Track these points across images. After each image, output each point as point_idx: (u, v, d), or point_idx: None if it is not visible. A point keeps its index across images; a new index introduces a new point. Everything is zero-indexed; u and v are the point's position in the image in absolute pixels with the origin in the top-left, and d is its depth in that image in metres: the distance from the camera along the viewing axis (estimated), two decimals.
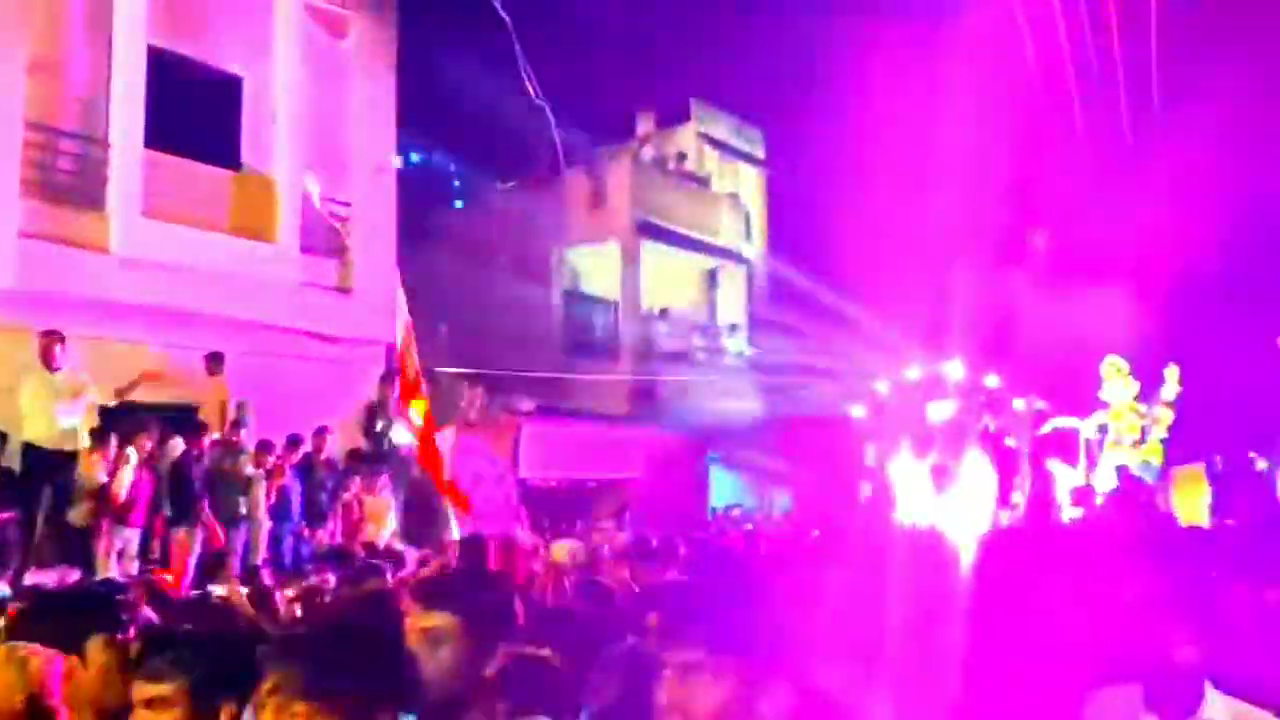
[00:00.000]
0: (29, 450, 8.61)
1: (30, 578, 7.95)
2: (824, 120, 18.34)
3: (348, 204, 12.53)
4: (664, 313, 20.24)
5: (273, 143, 11.84)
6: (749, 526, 14.66)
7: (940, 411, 12.95)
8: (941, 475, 11.85)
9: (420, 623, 2.35)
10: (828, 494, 14.56)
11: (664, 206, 19.59)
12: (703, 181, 21.33)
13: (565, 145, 17.05)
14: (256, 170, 11.87)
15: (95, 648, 2.87)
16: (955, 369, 13.15)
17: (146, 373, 9.48)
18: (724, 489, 18.99)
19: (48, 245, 9.55)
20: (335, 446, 10.98)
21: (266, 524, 9.80)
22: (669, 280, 20.57)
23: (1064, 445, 12.32)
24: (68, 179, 10.22)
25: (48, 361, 8.77)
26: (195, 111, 11.43)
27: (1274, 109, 15.80)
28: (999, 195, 16.72)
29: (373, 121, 13.02)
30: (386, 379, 11.83)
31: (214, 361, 10.18)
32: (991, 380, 12.97)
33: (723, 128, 22.11)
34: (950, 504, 11.14)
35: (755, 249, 22.42)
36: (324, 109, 12.37)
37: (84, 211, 10.06)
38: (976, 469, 11.92)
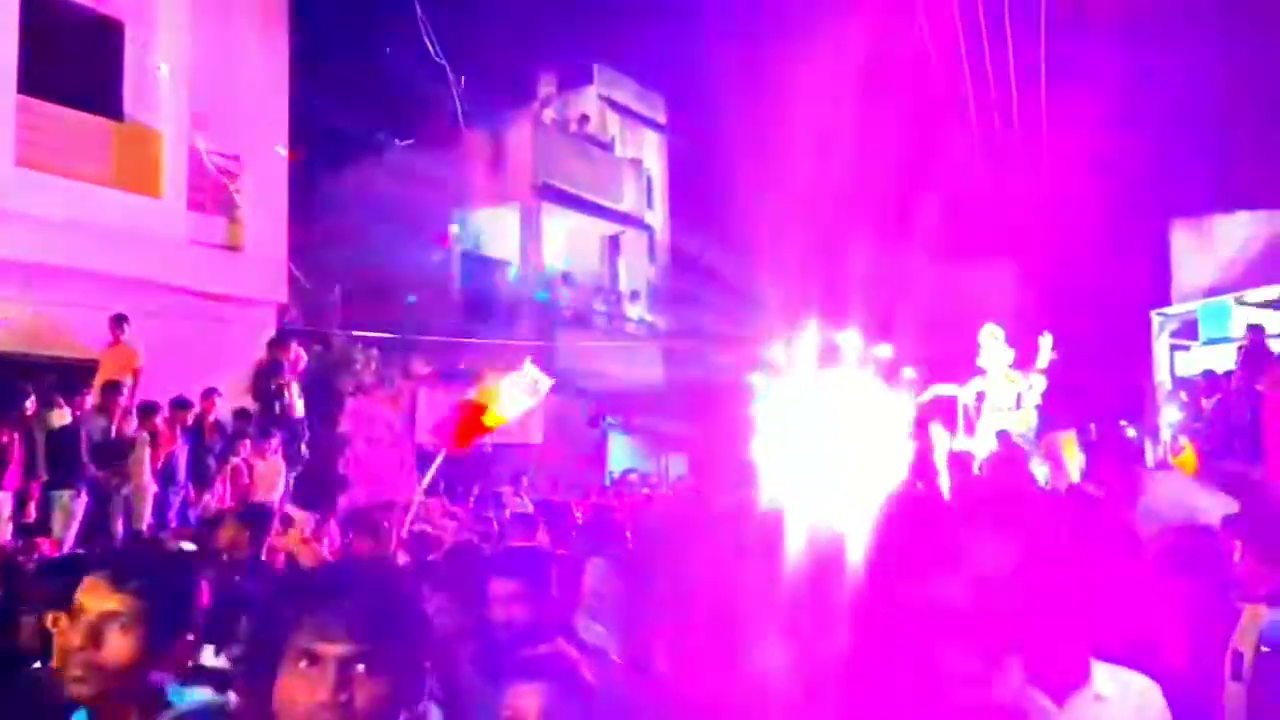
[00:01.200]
0: None
1: None
2: (724, 87, 18.45)
3: (237, 158, 12.13)
4: (565, 276, 20.20)
5: (157, 92, 11.35)
6: (645, 491, 14.84)
7: (834, 379, 13.31)
8: (835, 440, 12.23)
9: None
10: (722, 460, 14.82)
11: (566, 169, 19.49)
12: (605, 146, 21.27)
13: (465, 105, 16.78)
14: (140, 121, 11.37)
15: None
16: (850, 338, 13.53)
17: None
18: (621, 454, 19.16)
19: None
20: (223, 409, 10.70)
21: (152, 488, 9.51)
22: (570, 244, 20.52)
23: (943, 411, 12.80)
24: None
25: None
26: (73, 56, 10.89)
27: (1151, 87, 16.56)
28: (889, 166, 17.13)
29: (264, 73, 12.58)
30: (277, 341, 11.57)
31: (118, 324, 9.75)
32: (884, 350, 13.38)
33: (625, 92, 22.05)
34: (840, 473, 11.50)
35: (657, 215, 22.52)
36: (213, 59, 11.90)
37: None
38: (866, 440, 12.32)
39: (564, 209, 19.63)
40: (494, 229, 19.76)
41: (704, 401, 16.61)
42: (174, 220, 11.24)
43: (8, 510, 8.47)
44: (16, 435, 8.43)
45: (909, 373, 13.20)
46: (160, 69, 11.33)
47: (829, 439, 12.66)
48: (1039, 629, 2.35)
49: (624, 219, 21.35)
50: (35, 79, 10.13)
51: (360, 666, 1.46)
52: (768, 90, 17.10)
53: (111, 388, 9.40)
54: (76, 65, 10.95)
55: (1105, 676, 2.39)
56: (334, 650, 1.46)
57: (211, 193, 11.78)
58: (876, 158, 16.18)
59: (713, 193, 20.51)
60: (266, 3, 12.67)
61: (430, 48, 13.50)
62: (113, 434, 9.19)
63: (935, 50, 16.61)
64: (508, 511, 8.81)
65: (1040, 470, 9.85)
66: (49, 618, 2.31)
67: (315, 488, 11.30)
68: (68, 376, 9.65)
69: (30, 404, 8.55)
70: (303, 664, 1.47)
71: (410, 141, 18.54)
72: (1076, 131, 15.26)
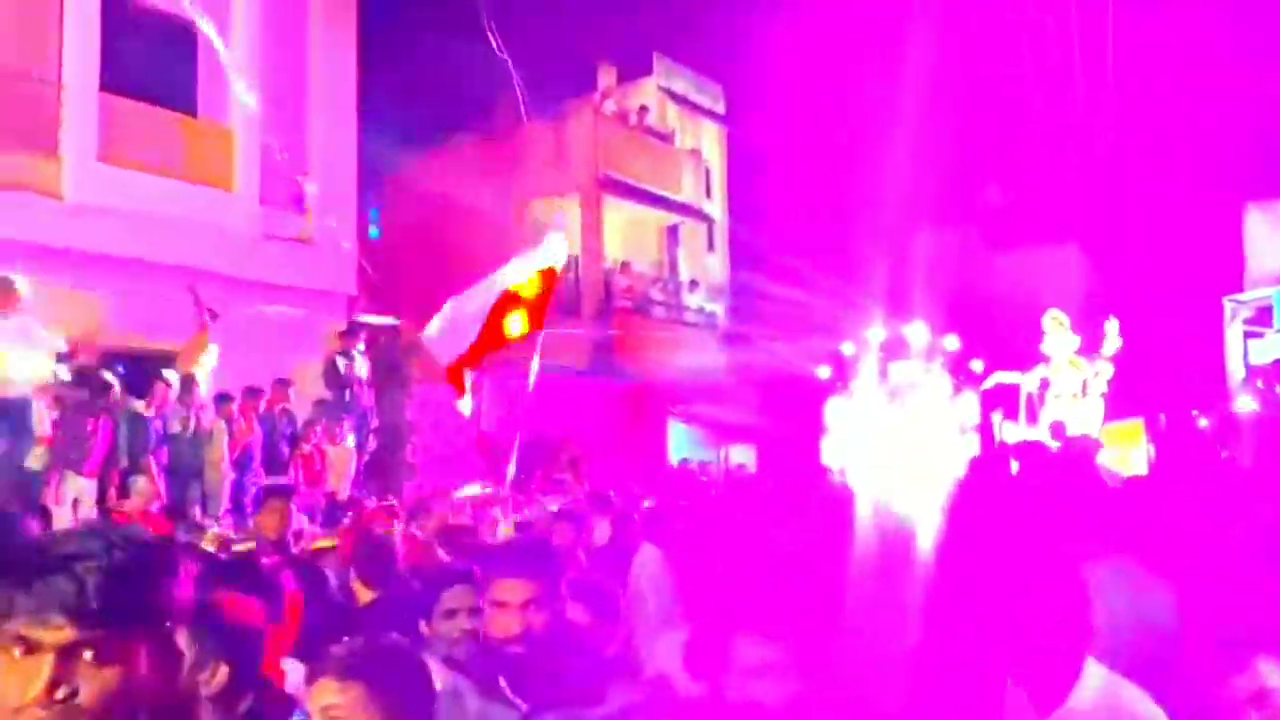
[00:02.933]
0: None
1: None
2: (784, 77, 18.38)
3: (307, 153, 12.42)
4: (624, 267, 20.30)
5: (230, 90, 11.67)
6: (704, 480, 14.91)
7: (903, 372, 13.28)
8: (905, 430, 12.28)
9: None
10: (789, 451, 14.83)
11: (626, 161, 19.57)
12: (665, 137, 21.31)
13: (527, 98, 16.94)
14: (214, 118, 11.71)
15: None
16: (917, 330, 13.45)
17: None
18: (681, 443, 19.23)
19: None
20: (295, 398, 10.99)
21: (229, 475, 9.81)
22: (630, 234, 20.61)
23: (1006, 400, 12.66)
24: (19, 124, 10.03)
25: (4, 307, 8.67)
26: (151, 56, 11.24)
27: (1225, 65, 16.13)
28: (951, 153, 16.93)
29: (333, 71, 12.87)
30: (346, 332, 11.83)
31: (195, 318, 10.07)
32: (951, 342, 13.27)
33: (684, 82, 22.06)
34: (910, 461, 11.47)
35: (716, 206, 22.51)
36: (283, 56, 12.21)
37: (37, 156, 9.90)
38: (937, 429, 12.30)
39: (624, 199, 19.72)
40: (556, 220, 19.93)
41: (770, 392, 16.63)
42: (247, 214, 11.55)
43: (93, 496, 8.80)
44: (101, 423, 8.75)
45: (977, 365, 13.09)
46: (232, 67, 11.63)
47: (897, 429, 12.66)
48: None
49: (683, 209, 21.38)
50: (114, 77, 10.48)
51: (87, 654, 1.21)
52: (827, 79, 17.02)
53: (189, 378, 9.73)
54: (153, 64, 11.31)
55: (1094, 674, 2.24)
56: (50, 637, 1.21)
57: (283, 187, 12.07)
58: (938, 145, 16.01)
59: (772, 182, 20.47)
60: (334, 1, 12.94)
61: (493, 42, 13.65)
62: (191, 422, 9.50)
63: (998, 31, 16.37)
64: (554, 504, 8.91)
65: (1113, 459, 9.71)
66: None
67: (383, 474, 11.55)
68: (147, 366, 9.98)
69: (114, 393, 8.86)
70: (16, 652, 1.21)
71: (474, 135, 18.77)
72: (1146, 112, 14.92)
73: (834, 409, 13.79)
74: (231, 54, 11.62)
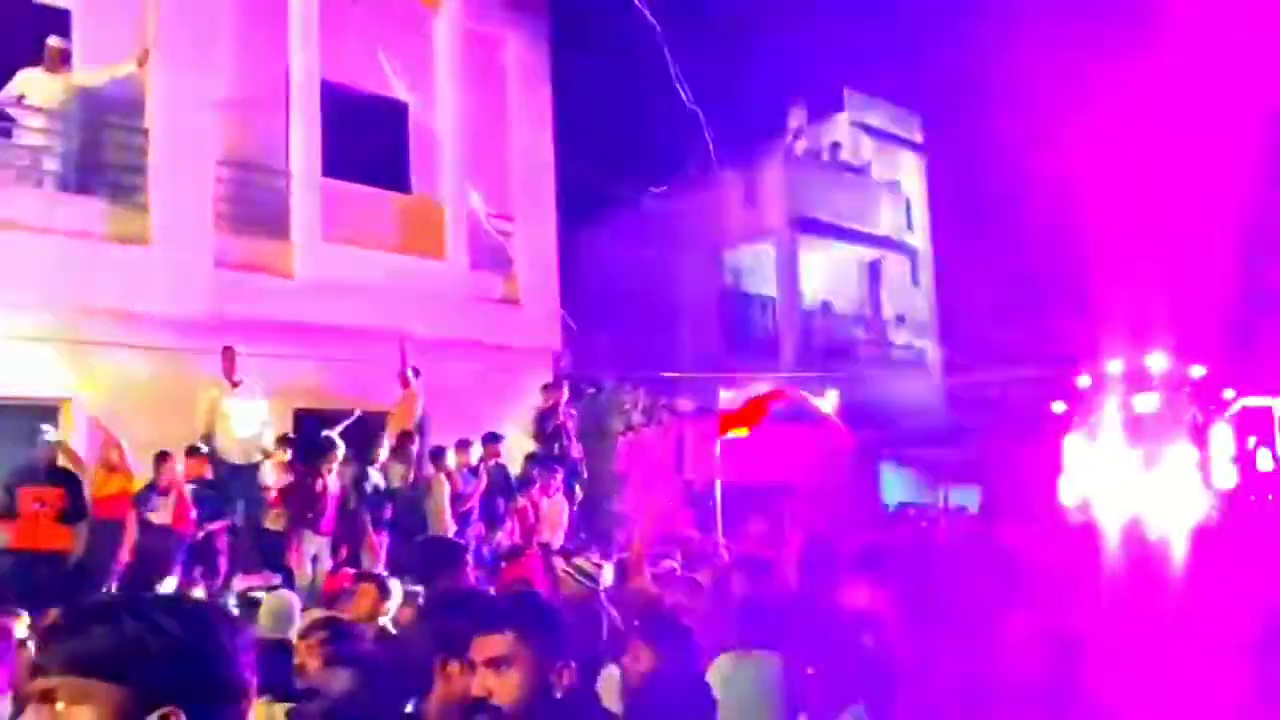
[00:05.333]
0: (219, 463, 9.27)
1: (238, 583, 8.61)
2: (983, 101, 17.70)
3: (511, 219, 12.96)
4: (825, 307, 19.98)
5: (438, 164, 12.36)
6: (923, 524, 14.31)
7: (1146, 404, 12.51)
8: (1151, 463, 11.59)
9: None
10: (1022, 490, 14.09)
11: (820, 199, 19.36)
12: (860, 171, 20.95)
13: (716, 145, 17.09)
14: (424, 191, 12.44)
15: None
16: (1158, 360, 12.64)
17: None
18: (895, 487, 18.57)
19: (238, 273, 10.29)
20: (505, 452, 11.36)
21: (451, 527, 10.21)
22: (829, 273, 20.30)
23: (1258, 426, 11.57)
24: (254, 210, 10.98)
25: (228, 377, 9.46)
26: (366, 139, 12.07)
27: None
28: (1177, 173, 15.74)
29: (531, 136, 13.42)
30: (553, 386, 12.15)
31: (403, 378, 10.70)
32: (1197, 370, 12.36)
33: (878, 115, 21.66)
34: (1159, 494, 10.79)
35: (918, 237, 21.86)
36: (484, 127, 12.83)
37: (270, 239, 10.78)
38: (1185, 461, 11.50)
39: (821, 238, 19.47)
40: (752, 265, 19.90)
41: (993, 429, 15.84)
42: (457, 280, 12.13)
43: (327, 552, 9.37)
44: (328, 482, 9.33)
45: (1228, 393, 12.11)
46: (440, 142, 12.33)
47: (1143, 464, 11.85)
48: None
49: (883, 243, 20.87)
50: (335, 162, 11.31)
51: (59, 705, 1.27)
52: (1029, 103, 16.24)
53: (406, 435, 10.26)
54: (369, 147, 12.15)
55: None
56: (39, 685, 1.29)
57: (489, 252, 12.63)
58: (1162, 164, 14.93)
59: (978, 210, 19.66)
60: (529, 68, 13.52)
61: (682, 94, 13.88)
62: (410, 478, 9.99)
63: (1215, 47, 15.18)
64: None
65: None
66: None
67: (593, 526, 11.73)
68: (367, 427, 10.59)
69: (338, 453, 9.44)
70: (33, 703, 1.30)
71: (666, 188, 19.09)
72: None
73: (1072, 445, 13.07)
74: (438, 130, 12.32)
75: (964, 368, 18.36)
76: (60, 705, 1.27)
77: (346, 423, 10.01)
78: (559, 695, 2.27)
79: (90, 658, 1.28)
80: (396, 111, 12.46)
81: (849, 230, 19.88)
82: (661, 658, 3.25)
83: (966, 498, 18.21)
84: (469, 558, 4.96)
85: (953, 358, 19.75)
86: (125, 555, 8.29)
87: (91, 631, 1.30)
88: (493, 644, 2.25)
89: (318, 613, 4.81)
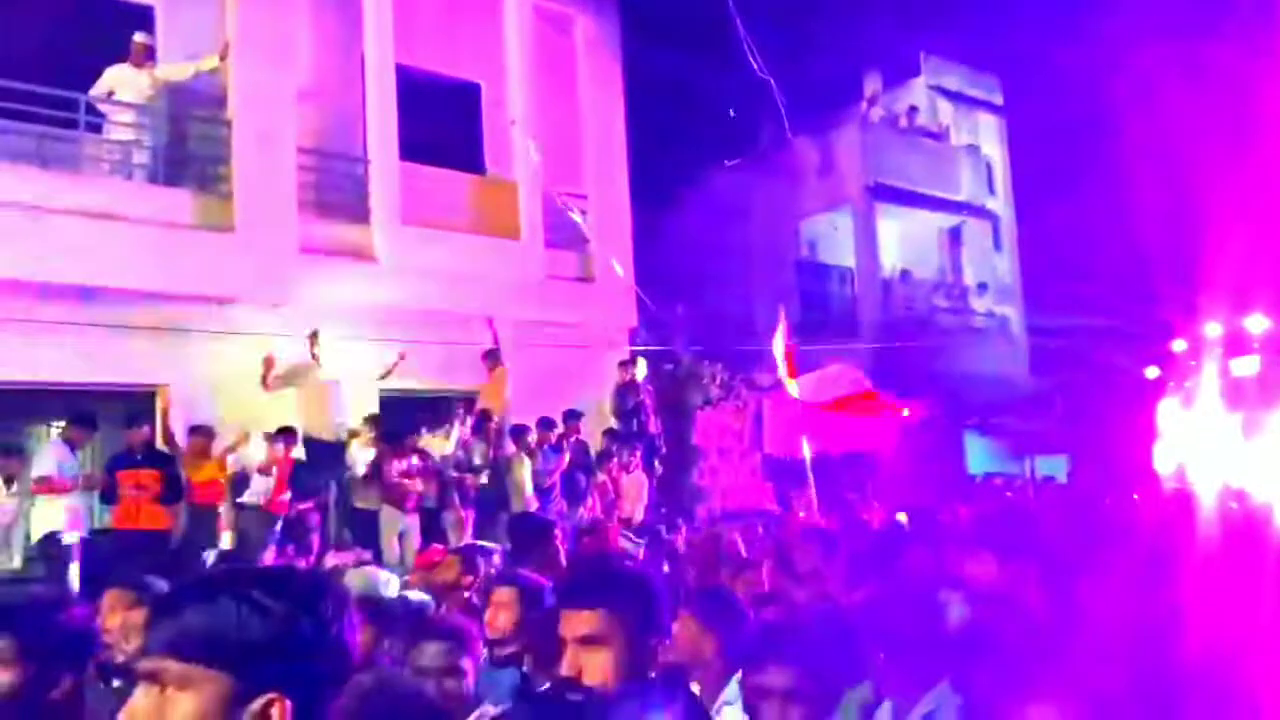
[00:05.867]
0: (309, 443, 9.52)
1: (330, 560, 8.86)
2: (1066, 58, 17.14)
3: (584, 196, 12.99)
4: (904, 276, 19.65)
5: (512, 144, 12.44)
6: (1009, 495, 14.06)
7: (1244, 367, 12.08)
8: (1252, 428, 11.18)
9: None
10: (1113, 459, 13.74)
11: (897, 166, 18.99)
12: (938, 135, 20.49)
13: (790, 114, 16.86)
14: (498, 172, 12.53)
15: None
16: (1258, 322, 12.18)
17: (401, 355, 10.22)
18: (979, 457, 18.25)
19: (321, 258, 10.51)
20: (585, 428, 11.46)
21: (534, 504, 10.36)
22: (908, 241, 19.95)
23: None
24: (335, 196, 11.20)
25: (315, 360, 9.71)
26: (441, 122, 12.20)
27: None
28: (1268, 127, 15.04)
29: (603, 112, 13.41)
30: (629, 362, 12.20)
31: (491, 358, 10.87)
32: None
33: (955, 78, 21.14)
34: (1259, 461, 10.43)
35: (1000, 202, 21.33)
36: (556, 105, 12.86)
37: (351, 224, 10.99)
38: None
39: (899, 206, 19.12)
40: (829, 235, 19.66)
41: (1081, 397, 15.43)
42: (533, 259, 12.22)
43: (416, 530, 9.57)
44: (412, 461, 9.53)
45: None
46: (513, 122, 12.39)
47: (1242, 430, 11.45)
48: None
49: (963, 209, 20.41)
50: (411, 146, 11.46)
51: (166, 690, 1.27)
52: (1114, 58, 15.66)
53: (486, 414, 10.42)
54: (443, 129, 12.28)
55: None
56: (145, 665, 1.31)
57: (564, 231, 12.69)
58: (1263, 116, 14.29)
59: (1063, 171, 19.12)
60: (599, 44, 13.50)
61: (753, 63, 13.72)
62: (491, 456, 10.15)
63: None
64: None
65: None
66: None
67: (672, 500, 11.77)
68: (447, 407, 10.77)
69: (420, 434, 9.64)
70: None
71: (740, 160, 18.93)
72: None
73: (1167, 412, 12.69)
74: (510, 109, 12.39)
75: (1050, 334, 17.89)
76: (167, 689, 1.27)
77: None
78: (653, 674, 2.15)
79: (189, 641, 1.27)
80: (469, 92, 12.55)
81: (928, 196, 19.48)
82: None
83: (1054, 467, 17.82)
84: (558, 533, 5.01)
85: (1038, 324, 19.27)
86: (223, 537, 8.61)
87: (189, 613, 1.28)
88: (581, 621, 2.14)
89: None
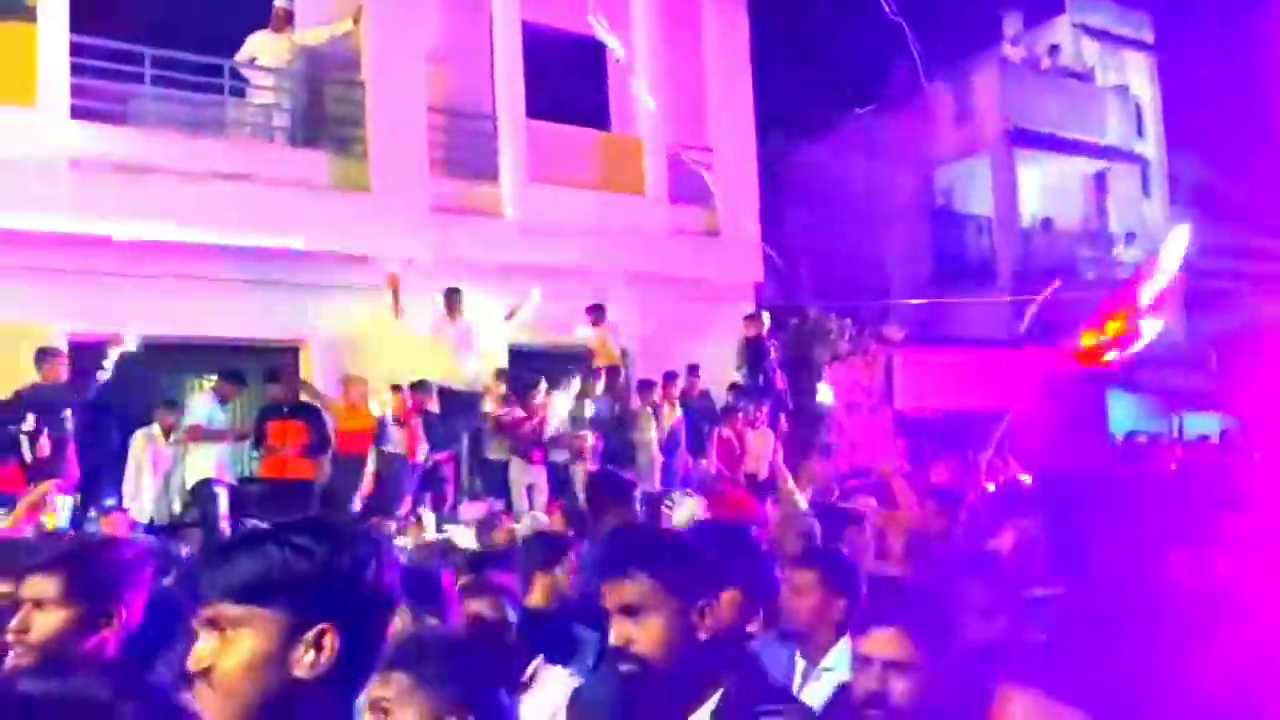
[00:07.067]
0: (444, 394, 9.77)
1: (463, 511, 9.14)
2: None
3: (709, 150, 12.84)
4: (1046, 225, 18.82)
5: (636, 99, 12.37)
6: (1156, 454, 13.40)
7: None
8: None
9: None
10: (1274, 418, 12.95)
11: (1038, 109, 18.11)
12: (1082, 76, 19.43)
13: (924, 58, 16.24)
14: (624, 128, 12.50)
15: None
16: None
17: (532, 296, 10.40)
18: (1123, 415, 17.43)
19: (453, 216, 10.72)
20: (710, 383, 11.42)
21: (659, 458, 10.43)
22: (1050, 188, 19.07)
23: None
24: (465, 154, 11.38)
25: (451, 315, 9.93)
26: (566, 79, 12.23)
27: None
28: None
29: (728, 64, 13.19)
30: (755, 317, 12.07)
31: (597, 313, 10.94)
32: None
33: (1102, 15, 19.94)
34: None
35: (1150, 145, 20.13)
36: (681, 60, 12.71)
37: (480, 182, 11.17)
38: None
39: (1040, 151, 18.26)
40: (965, 183, 18.96)
41: (1243, 351, 14.50)
42: (658, 215, 12.20)
43: (543, 482, 9.75)
44: (541, 415, 9.69)
45: None
46: (638, 77, 12.31)
47: None
48: None
49: (1110, 153, 19.34)
50: (537, 103, 11.53)
51: (226, 631, 1.40)
52: None
53: (614, 370, 10.50)
54: (569, 86, 12.30)
55: None
56: (204, 614, 1.42)
57: (688, 184, 12.59)
58: None
59: (1218, 112, 17.88)
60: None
61: (884, 5, 13.25)
62: (617, 410, 10.23)
63: None
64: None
65: None
66: None
67: (799, 456, 11.64)
68: (574, 363, 10.89)
69: (542, 388, 9.77)
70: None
71: (872, 107, 18.37)
72: None
73: None
74: (635, 64, 12.30)
75: (1205, 280, 16.84)
76: (226, 631, 1.39)
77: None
78: (704, 637, 2.09)
79: (243, 585, 1.40)
80: (595, 48, 12.52)
81: (1071, 141, 18.51)
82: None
83: (1206, 425, 16.87)
84: (638, 494, 5.02)
85: (1191, 273, 18.18)
86: (366, 486, 8.96)
87: (240, 560, 1.42)
88: (623, 590, 2.09)
89: None
